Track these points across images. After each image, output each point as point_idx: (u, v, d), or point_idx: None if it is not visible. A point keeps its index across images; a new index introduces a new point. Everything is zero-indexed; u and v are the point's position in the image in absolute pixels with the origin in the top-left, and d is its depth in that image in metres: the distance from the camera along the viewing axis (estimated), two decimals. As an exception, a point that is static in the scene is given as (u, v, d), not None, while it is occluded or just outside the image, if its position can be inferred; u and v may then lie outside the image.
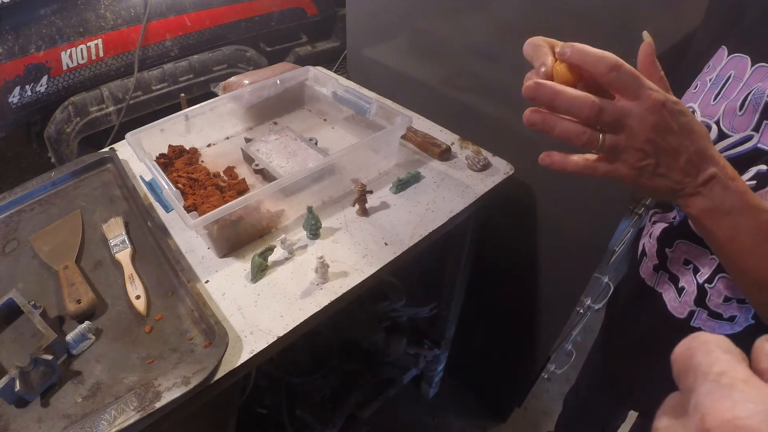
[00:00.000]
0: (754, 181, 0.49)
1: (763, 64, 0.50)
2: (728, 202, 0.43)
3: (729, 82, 0.53)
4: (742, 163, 0.51)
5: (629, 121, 0.42)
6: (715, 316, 0.58)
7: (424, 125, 1.15)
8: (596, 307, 1.35)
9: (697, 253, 0.58)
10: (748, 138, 0.50)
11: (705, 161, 0.43)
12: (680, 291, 0.61)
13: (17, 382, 0.60)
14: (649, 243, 0.67)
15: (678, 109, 0.42)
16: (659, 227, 0.64)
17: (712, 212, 0.44)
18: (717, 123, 0.53)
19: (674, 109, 0.42)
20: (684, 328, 0.61)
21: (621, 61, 0.42)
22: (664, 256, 0.63)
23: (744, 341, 0.56)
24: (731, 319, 0.57)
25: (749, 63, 0.51)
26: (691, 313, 0.60)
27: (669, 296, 0.63)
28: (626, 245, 1.16)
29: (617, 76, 0.42)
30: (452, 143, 1.08)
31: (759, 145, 0.49)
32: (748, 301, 0.54)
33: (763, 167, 0.48)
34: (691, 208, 0.45)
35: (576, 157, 0.46)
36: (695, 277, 0.59)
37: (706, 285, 0.58)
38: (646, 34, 0.45)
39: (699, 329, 0.59)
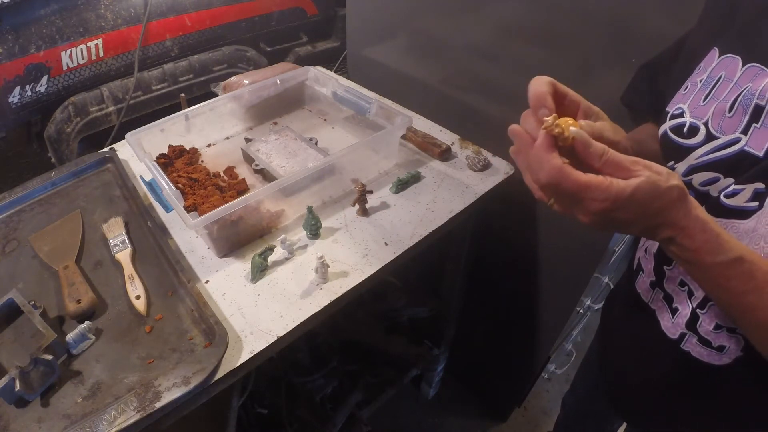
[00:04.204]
0: (756, 203, 0.48)
1: (755, 64, 0.49)
2: (684, 257, 0.45)
3: (719, 82, 0.52)
4: (728, 166, 0.50)
5: (570, 211, 0.46)
6: (704, 342, 0.57)
7: (424, 125, 1.15)
8: (596, 307, 1.35)
9: None
10: (736, 141, 0.49)
11: (658, 229, 0.45)
12: (674, 312, 0.61)
13: (17, 382, 0.60)
14: (645, 258, 0.66)
15: (618, 206, 0.42)
16: (654, 242, 0.64)
17: (673, 256, 0.47)
18: (706, 124, 0.52)
19: (615, 207, 0.42)
20: (675, 349, 0.60)
21: (557, 179, 0.43)
22: (662, 274, 0.62)
23: (734, 373, 0.54)
24: (720, 348, 0.56)
25: (740, 63, 0.51)
26: (682, 336, 0.60)
27: (662, 315, 0.63)
28: (626, 245, 1.16)
29: (556, 199, 0.46)
30: (452, 143, 1.08)
31: (745, 148, 0.49)
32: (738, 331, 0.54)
33: (760, 186, 0.47)
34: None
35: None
36: (689, 300, 0.58)
37: (698, 310, 0.57)
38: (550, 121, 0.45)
39: (688, 353, 0.59)
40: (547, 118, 0.44)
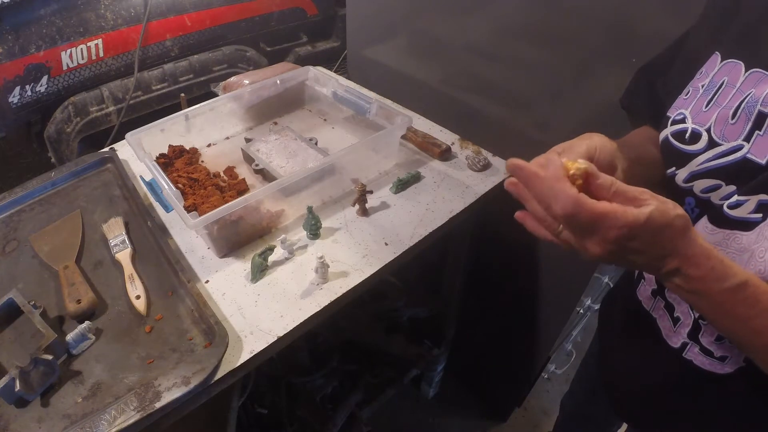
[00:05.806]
0: (759, 214, 0.48)
1: (757, 69, 0.49)
2: (689, 287, 0.45)
3: (722, 88, 0.52)
4: (730, 173, 0.50)
5: (581, 244, 0.45)
6: (706, 352, 0.57)
7: (424, 125, 1.15)
8: (596, 307, 1.35)
9: None
10: (738, 148, 0.49)
11: (666, 259, 0.44)
12: (675, 321, 0.60)
13: (17, 382, 0.60)
14: None
15: (634, 234, 0.42)
16: None
17: (677, 290, 0.47)
18: (708, 131, 0.52)
19: (632, 235, 0.42)
20: (677, 357, 0.60)
21: (575, 210, 0.42)
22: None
23: (736, 381, 0.55)
24: (722, 358, 0.56)
25: (743, 68, 0.50)
26: (684, 345, 0.59)
27: (664, 324, 0.62)
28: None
29: (570, 230, 0.45)
30: (452, 143, 1.08)
31: (748, 155, 0.48)
32: None
33: (764, 197, 0.47)
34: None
35: (545, 231, 0.48)
36: (691, 310, 0.58)
37: (700, 320, 0.57)
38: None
39: (690, 362, 0.59)
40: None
